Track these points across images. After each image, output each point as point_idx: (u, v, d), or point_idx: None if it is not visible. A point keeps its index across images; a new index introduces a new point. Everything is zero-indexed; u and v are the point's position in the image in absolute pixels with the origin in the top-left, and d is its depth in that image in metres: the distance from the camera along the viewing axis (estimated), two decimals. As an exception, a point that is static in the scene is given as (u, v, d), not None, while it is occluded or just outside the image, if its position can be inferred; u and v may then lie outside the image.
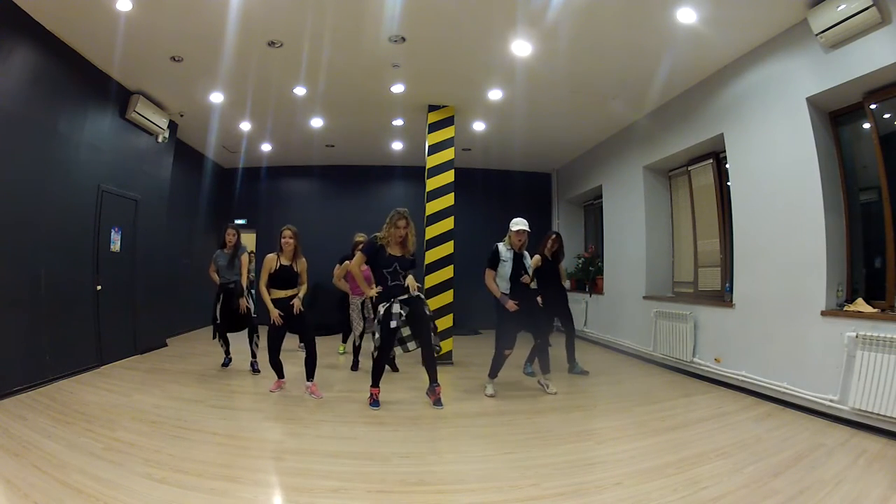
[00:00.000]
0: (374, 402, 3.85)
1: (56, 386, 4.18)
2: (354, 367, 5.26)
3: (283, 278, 4.17)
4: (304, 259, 4.26)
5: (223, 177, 9.22)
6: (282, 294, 4.18)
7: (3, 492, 2.21)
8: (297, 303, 4.12)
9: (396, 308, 3.79)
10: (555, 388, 4.38)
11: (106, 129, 5.25)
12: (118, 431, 3.10)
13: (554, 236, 5.23)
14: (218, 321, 5.05)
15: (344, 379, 4.90)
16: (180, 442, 2.99)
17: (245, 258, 5.13)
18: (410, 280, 3.93)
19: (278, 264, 4.14)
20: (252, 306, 5.07)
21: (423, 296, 4.06)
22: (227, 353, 5.24)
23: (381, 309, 3.84)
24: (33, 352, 4.14)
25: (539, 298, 4.43)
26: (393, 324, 3.74)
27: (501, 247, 4.31)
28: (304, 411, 3.78)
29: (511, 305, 4.15)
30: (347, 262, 4.92)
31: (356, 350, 5.34)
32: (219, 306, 5.04)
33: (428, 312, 3.96)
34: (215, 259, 5.15)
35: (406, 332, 3.96)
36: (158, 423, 3.34)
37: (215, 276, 5.12)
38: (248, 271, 5.16)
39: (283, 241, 4.15)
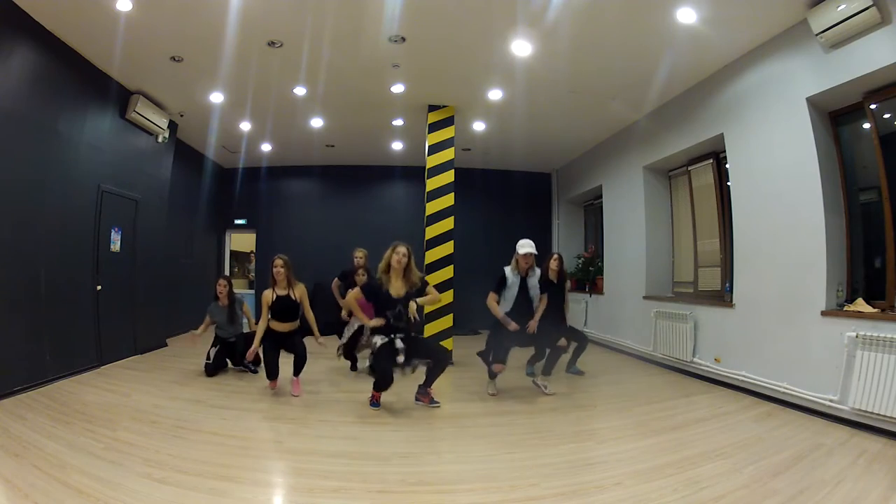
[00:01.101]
0: (375, 402, 3.84)
1: (56, 386, 4.18)
2: (353, 367, 5.25)
3: (283, 309, 4.16)
4: (301, 285, 4.24)
5: (223, 177, 9.21)
6: (283, 328, 4.20)
7: (3, 492, 2.21)
8: (316, 335, 4.19)
9: (399, 343, 3.67)
10: (553, 389, 4.37)
11: (106, 129, 5.25)
12: (118, 431, 3.11)
13: (556, 257, 5.09)
14: (210, 361, 4.90)
15: (344, 379, 4.90)
16: (180, 442, 3.00)
17: (246, 309, 5.12)
18: (411, 307, 3.84)
19: (275, 296, 4.14)
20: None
21: (418, 317, 3.99)
22: None
23: (379, 341, 3.71)
24: (33, 352, 4.14)
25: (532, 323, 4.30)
26: (400, 359, 3.62)
27: (508, 272, 4.27)
28: (305, 411, 3.78)
29: (513, 327, 4.12)
30: (349, 289, 4.90)
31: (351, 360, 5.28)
32: (214, 350, 4.94)
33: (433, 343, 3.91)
34: (211, 312, 5.04)
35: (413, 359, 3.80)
36: (158, 423, 3.34)
37: (204, 329, 5.03)
38: (251, 319, 5.21)
39: (273, 270, 4.14)
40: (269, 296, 4.14)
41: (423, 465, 2.80)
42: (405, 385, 4.62)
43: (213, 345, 5.01)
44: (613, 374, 5.37)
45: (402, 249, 3.76)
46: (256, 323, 4.58)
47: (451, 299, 5.90)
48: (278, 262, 4.17)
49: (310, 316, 4.21)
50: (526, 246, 4.20)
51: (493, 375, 4.31)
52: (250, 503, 2.31)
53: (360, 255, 5.39)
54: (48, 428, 3.10)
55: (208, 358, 4.92)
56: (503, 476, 2.64)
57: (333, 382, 4.72)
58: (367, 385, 3.95)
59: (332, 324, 5.31)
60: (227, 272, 9.54)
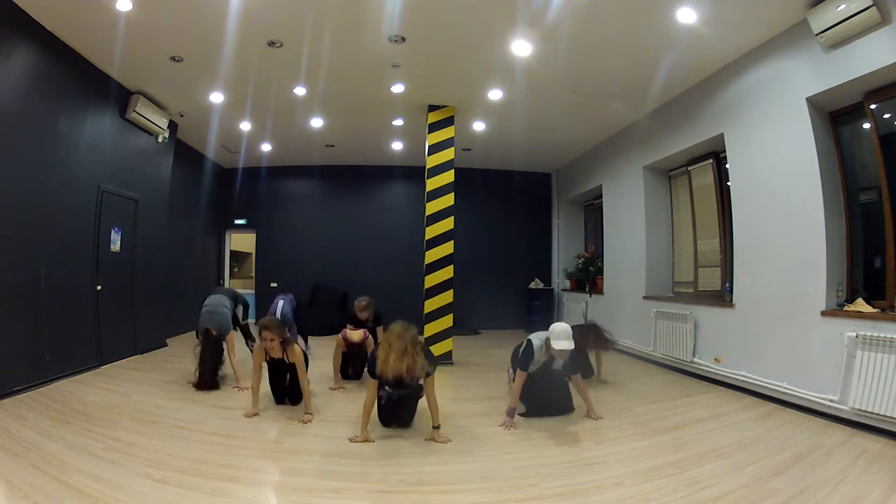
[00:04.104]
0: None
1: (56, 386, 4.18)
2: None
3: (278, 370, 3.84)
4: (298, 350, 3.72)
5: (223, 177, 9.22)
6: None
7: (3, 492, 2.21)
8: (307, 418, 3.56)
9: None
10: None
11: (106, 129, 5.25)
12: (118, 431, 3.11)
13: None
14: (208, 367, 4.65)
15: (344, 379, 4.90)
16: (180, 442, 3.00)
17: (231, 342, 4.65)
18: None
19: (268, 358, 3.74)
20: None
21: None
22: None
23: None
24: (33, 352, 4.14)
25: None
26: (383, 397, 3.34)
27: (536, 348, 3.52)
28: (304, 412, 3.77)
29: (508, 425, 3.48)
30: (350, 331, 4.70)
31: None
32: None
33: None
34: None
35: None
36: (158, 423, 3.34)
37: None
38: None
39: (266, 345, 3.62)
40: (260, 356, 3.71)
41: (423, 465, 2.80)
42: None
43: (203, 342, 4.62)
44: (614, 374, 5.36)
45: (392, 357, 3.01)
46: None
47: (450, 299, 5.89)
48: (267, 335, 3.58)
49: (304, 386, 3.64)
50: (563, 339, 3.34)
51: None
52: (250, 503, 2.31)
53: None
54: (48, 428, 3.10)
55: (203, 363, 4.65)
56: (503, 476, 2.64)
57: (332, 382, 4.71)
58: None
59: (332, 325, 5.27)
60: (227, 272, 9.57)
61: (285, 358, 3.75)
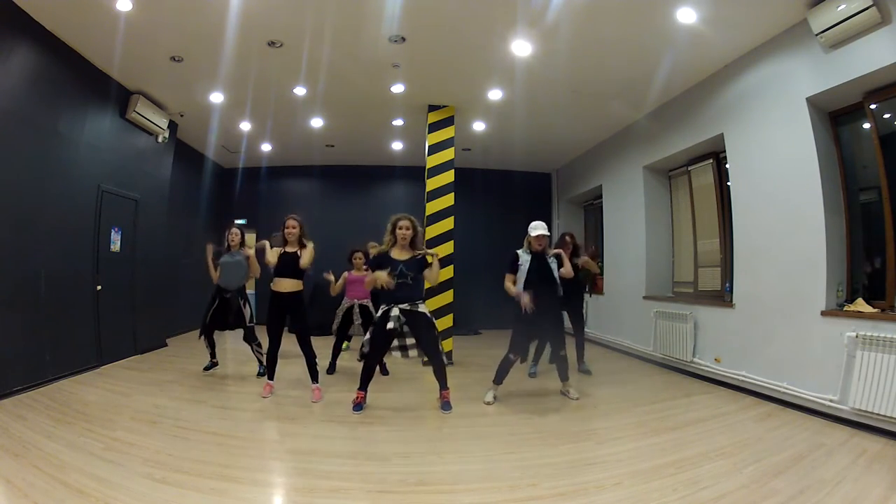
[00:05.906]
0: (357, 406, 3.73)
1: (56, 386, 4.18)
2: (331, 370, 5.09)
3: (285, 263, 4.09)
4: (311, 244, 4.16)
5: (223, 177, 9.22)
6: (284, 287, 4.04)
7: (3, 492, 2.21)
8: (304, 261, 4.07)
9: (395, 311, 3.65)
10: (577, 394, 4.25)
11: (106, 129, 5.26)
12: (118, 431, 3.10)
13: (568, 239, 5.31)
14: (207, 322, 4.89)
15: (345, 379, 4.90)
16: (180, 442, 2.99)
17: (253, 261, 5.03)
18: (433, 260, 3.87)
19: (282, 250, 4.09)
20: (250, 313, 4.98)
21: (435, 261, 3.90)
22: (213, 355, 5.10)
23: (381, 309, 3.79)
24: (33, 352, 4.14)
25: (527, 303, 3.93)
26: (390, 325, 3.61)
27: (520, 252, 4.12)
28: (304, 411, 3.77)
29: (525, 302, 3.85)
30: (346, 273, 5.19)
31: (334, 353, 5.20)
32: (212, 308, 4.89)
33: (433, 331, 3.79)
34: (218, 255, 5.08)
35: (410, 340, 3.80)
36: (158, 423, 3.34)
37: (215, 273, 5.00)
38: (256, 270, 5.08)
39: (285, 231, 4.10)
40: (274, 253, 4.06)
41: (423, 465, 2.80)
42: (404, 386, 4.63)
43: (212, 301, 4.91)
44: (613, 374, 5.37)
45: (404, 223, 3.86)
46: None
47: (451, 299, 5.90)
48: (292, 223, 4.09)
49: (305, 260, 4.08)
50: (538, 228, 4.03)
51: (498, 381, 4.14)
52: (250, 503, 2.31)
53: (373, 248, 5.40)
54: (48, 428, 3.10)
55: (205, 319, 4.87)
56: (503, 476, 2.64)
57: (332, 382, 4.71)
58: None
59: (326, 325, 5.27)
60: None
61: (298, 252, 4.09)
